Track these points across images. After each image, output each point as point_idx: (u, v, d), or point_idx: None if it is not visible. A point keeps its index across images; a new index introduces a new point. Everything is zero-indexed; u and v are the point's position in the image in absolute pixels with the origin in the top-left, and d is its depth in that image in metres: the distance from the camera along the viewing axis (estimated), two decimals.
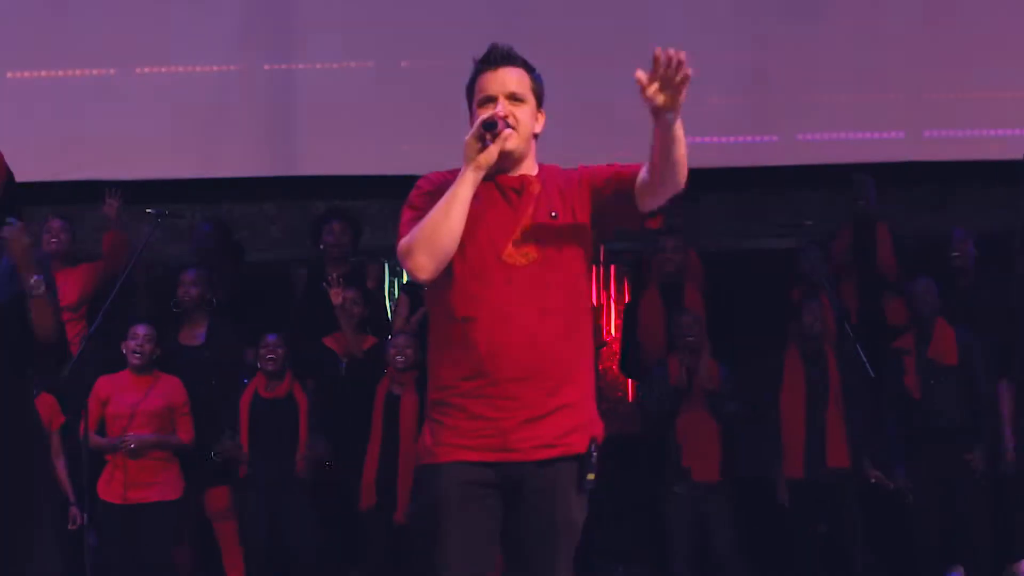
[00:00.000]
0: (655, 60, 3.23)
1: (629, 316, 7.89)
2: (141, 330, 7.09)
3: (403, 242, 3.48)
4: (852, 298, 7.71)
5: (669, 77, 3.23)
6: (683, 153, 3.38)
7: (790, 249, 7.83)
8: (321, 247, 7.77)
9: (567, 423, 3.50)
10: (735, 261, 8.07)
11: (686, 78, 3.24)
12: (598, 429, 3.57)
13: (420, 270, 3.46)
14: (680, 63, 3.23)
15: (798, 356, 7.21)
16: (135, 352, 7.05)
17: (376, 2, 8.73)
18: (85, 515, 6.83)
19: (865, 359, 7.06)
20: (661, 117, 3.30)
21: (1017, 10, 8.60)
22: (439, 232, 3.43)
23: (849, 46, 8.56)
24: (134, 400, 7.00)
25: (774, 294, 7.84)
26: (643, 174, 3.47)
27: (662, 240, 7.66)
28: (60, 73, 8.71)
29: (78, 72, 8.72)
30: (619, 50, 7.96)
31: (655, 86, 3.25)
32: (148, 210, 7.55)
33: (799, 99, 8.64)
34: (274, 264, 8.61)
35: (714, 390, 7.09)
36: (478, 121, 3.46)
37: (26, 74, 8.71)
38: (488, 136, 3.45)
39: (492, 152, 3.45)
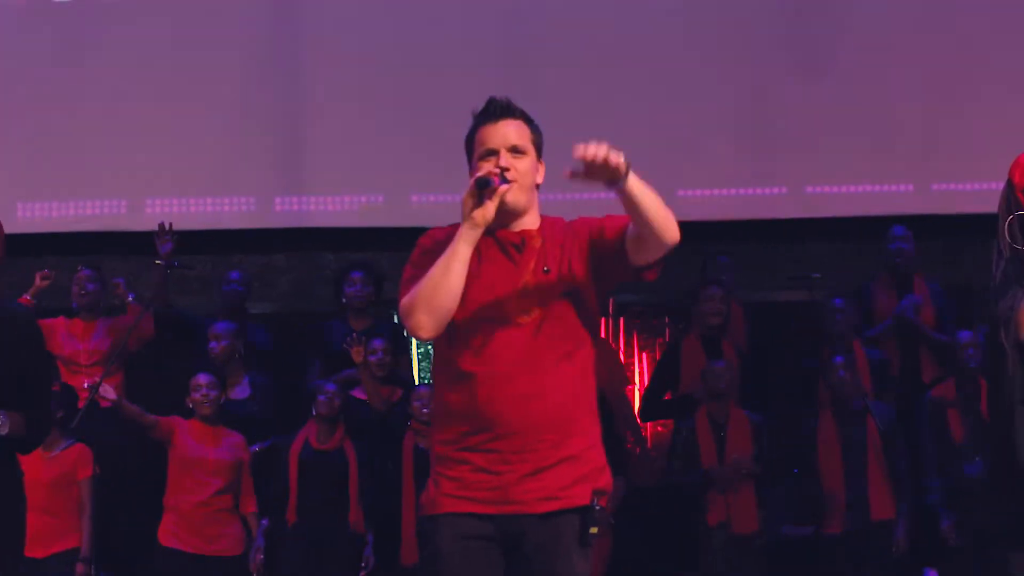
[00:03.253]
0: (578, 158, 3.27)
1: (667, 363, 7.75)
2: (203, 379, 6.94)
3: (404, 301, 3.48)
4: (893, 351, 7.62)
5: (597, 168, 3.27)
6: (657, 210, 3.36)
7: (802, 302, 7.80)
8: (344, 300, 7.69)
9: (571, 475, 3.48)
10: (745, 313, 8.02)
11: (617, 166, 3.27)
12: (604, 479, 3.55)
13: (421, 329, 3.46)
14: (604, 160, 3.25)
15: (831, 413, 7.11)
16: (203, 403, 6.91)
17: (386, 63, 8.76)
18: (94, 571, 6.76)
19: (876, 415, 7.01)
20: (613, 188, 3.32)
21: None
22: (439, 291, 3.42)
23: (857, 98, 8.58)
24: (206, 451, 6.89)
25: (788, 347, 7.80)
26: (632, 227, 3.45)
27: (706, 291, 7.55)
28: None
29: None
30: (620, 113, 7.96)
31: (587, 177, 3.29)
32: (157, 262, 7.58)
33: (807, 151, 8.62)
34: (283, 316, 8.61)
35: (754, 471, 7.02)
36: (472, 179, 3.46)
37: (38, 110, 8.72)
38: (484, 193, 3.44)
39: (489, 209, 3.44)
